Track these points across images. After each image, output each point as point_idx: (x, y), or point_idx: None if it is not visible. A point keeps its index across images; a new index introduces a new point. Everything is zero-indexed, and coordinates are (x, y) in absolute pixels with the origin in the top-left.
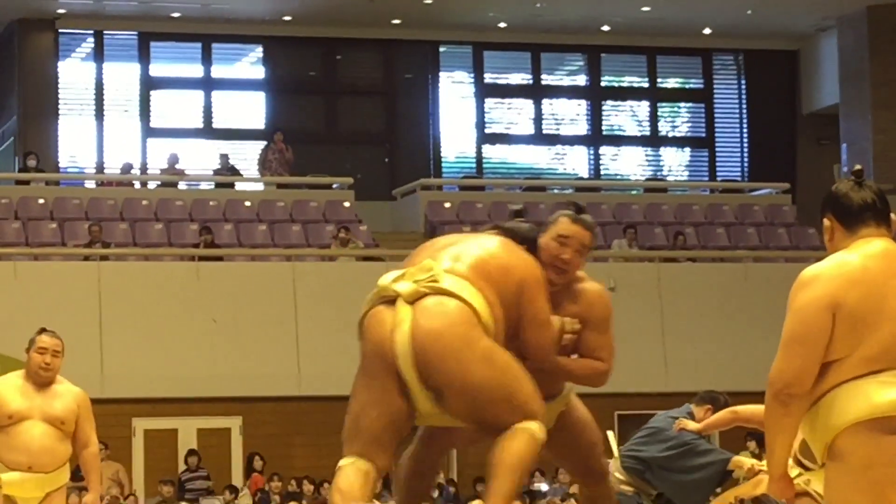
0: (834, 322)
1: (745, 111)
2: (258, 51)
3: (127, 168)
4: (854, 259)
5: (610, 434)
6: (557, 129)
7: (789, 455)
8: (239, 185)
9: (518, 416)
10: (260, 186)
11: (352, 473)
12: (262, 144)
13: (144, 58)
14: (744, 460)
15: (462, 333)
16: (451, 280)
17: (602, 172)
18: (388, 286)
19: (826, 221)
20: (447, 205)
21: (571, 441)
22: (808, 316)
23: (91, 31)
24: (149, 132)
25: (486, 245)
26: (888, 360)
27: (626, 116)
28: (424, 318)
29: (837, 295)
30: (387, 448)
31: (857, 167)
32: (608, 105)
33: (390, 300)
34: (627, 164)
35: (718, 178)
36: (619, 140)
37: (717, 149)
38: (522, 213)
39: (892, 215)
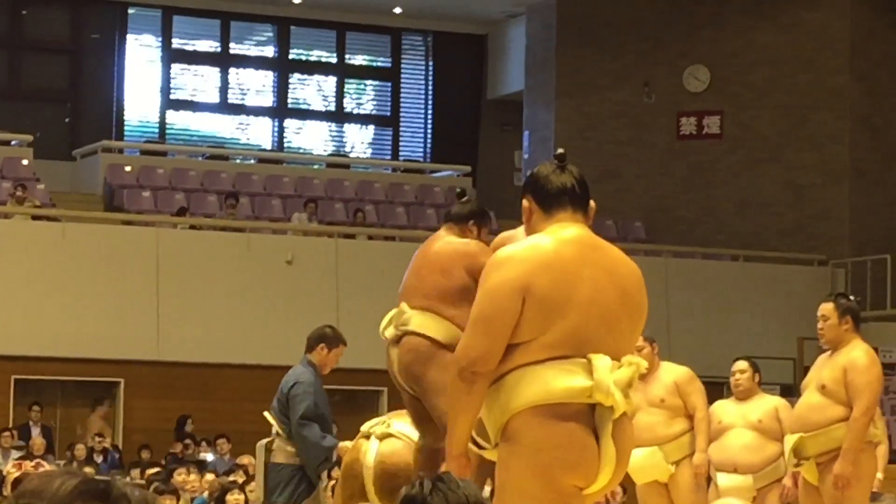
0: (523, 305)
1: (431, 92)
2: None
3: None
4: (547, 243)
5: (267, 413)
6: (243, 100)
7: (469, 433)
8: None
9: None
10: None
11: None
12: None
13: None
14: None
15: (419, 369)
16: (417, 319)
17: (285, 145)
18: (382, 333)
19: (525, 202)
20: (128, 168)
21: None
22: (497, 297)
23: None
24: None
25: (438, 264)
26: (571, 347)
27: (312, 90)
28: (401, 356)
29: (528, 278)
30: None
31: (560, 151)
32: (295, 78)
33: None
34: (311, 138)
35: (401, 158)
36: (304, 114)
37: (401, 128)
38: (465, 194)
39: (591, 202)
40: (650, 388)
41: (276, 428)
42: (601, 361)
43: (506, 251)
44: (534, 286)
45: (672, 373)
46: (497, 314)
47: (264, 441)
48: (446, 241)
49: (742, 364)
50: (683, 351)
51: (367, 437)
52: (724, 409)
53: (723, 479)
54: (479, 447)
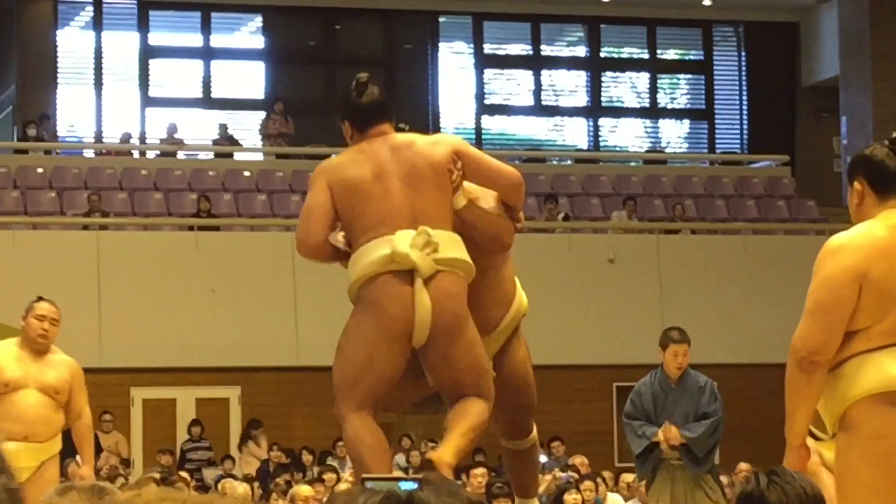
0: (860, 293)
1: (744, 83)
2: (258, 20)
3: (126, 137)
4: (881, 230)
5: None
6: (556, 101)
7: (808, 425)
8: (238, 156)
9: (476, 393)
10: (259, 156)
11: (372, 428)
12: (261, 114)
13: (143, 27)
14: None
15: (462, 322)
16: (446, 247)
17: (601, 144)
18: (405, 256)
19: (857, 185)
20: None
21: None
22: (834, 285)
23: (90, 0)
24: (148, 101)
25: (428, 175)
26: None
27: (625, 88)
28: (441, 302)
29: (865, 266)
30: (381, 402)
31: (895, 135)
32: (607, 76)
33: (403, 271)
34: (626, 135)
35: (718, 151)
36: (618, 111)
37: (716, 121)
38: (365, 82)
39: None
40: None
41: None
42: None
43: (839, 238)
44: (871, 273)
45: None
46: (834, 303)
47: None
48: (415, 145)
49: None
50: None
51: None
52: None
53: None
54: (816, 438)
